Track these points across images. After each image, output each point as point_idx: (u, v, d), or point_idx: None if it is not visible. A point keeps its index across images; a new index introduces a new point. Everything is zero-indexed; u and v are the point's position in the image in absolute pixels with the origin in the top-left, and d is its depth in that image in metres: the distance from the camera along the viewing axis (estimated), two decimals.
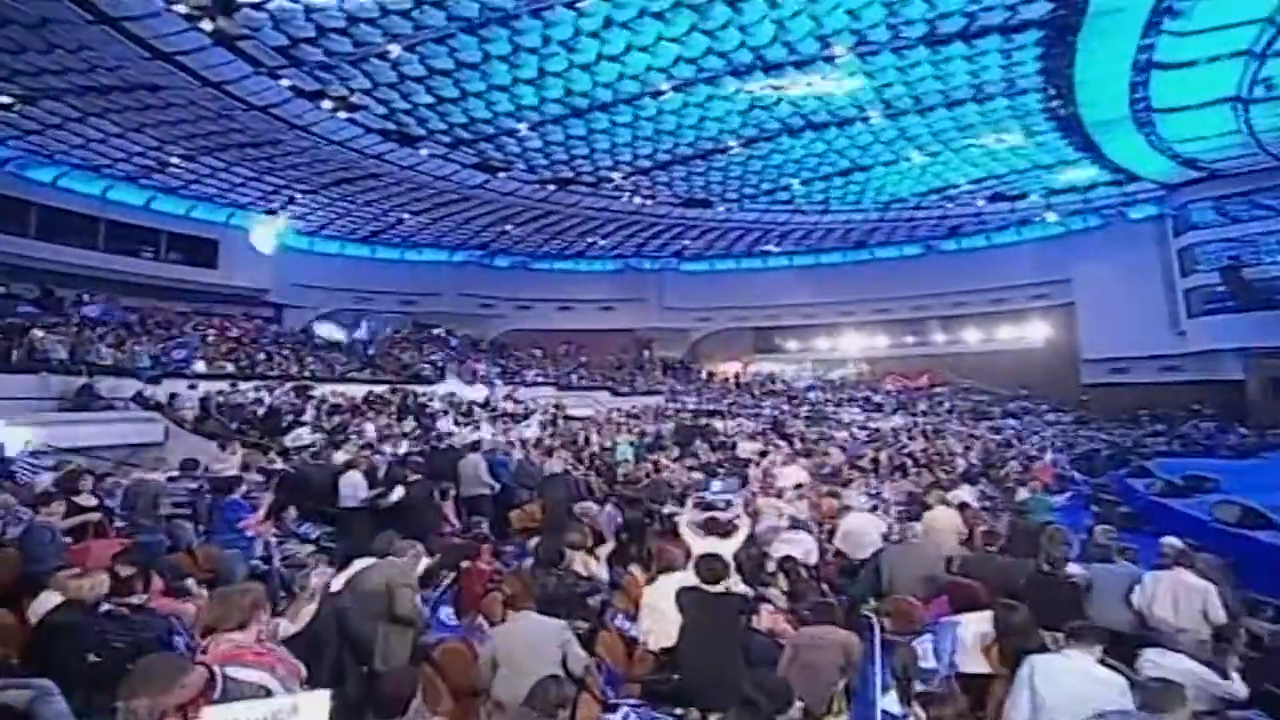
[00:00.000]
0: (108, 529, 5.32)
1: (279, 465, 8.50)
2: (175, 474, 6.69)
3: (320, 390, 16.05)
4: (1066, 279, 29.78)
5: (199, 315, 23.27)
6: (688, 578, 4.46)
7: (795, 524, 6.91)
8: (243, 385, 14.60)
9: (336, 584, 4.38)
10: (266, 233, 26.30)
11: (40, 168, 20.67)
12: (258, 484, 6.84)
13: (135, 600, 4.18)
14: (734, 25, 15.33)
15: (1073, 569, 5.49)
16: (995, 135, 20.99)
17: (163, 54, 14.61)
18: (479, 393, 20.45)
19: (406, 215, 28.25)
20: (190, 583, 4.82)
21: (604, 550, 5.71)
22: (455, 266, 33.98)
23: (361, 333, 27.46)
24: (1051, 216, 29.57)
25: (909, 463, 14.19)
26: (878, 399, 31.04)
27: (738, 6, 14.60)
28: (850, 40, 15.99)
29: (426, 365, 23.64)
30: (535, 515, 8.06)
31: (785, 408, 27.34)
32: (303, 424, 12.54)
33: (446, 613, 4.91)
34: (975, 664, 4.21)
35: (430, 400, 17.90)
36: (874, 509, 8.60)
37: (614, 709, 3.72)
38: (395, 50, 15.59)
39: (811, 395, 31.52)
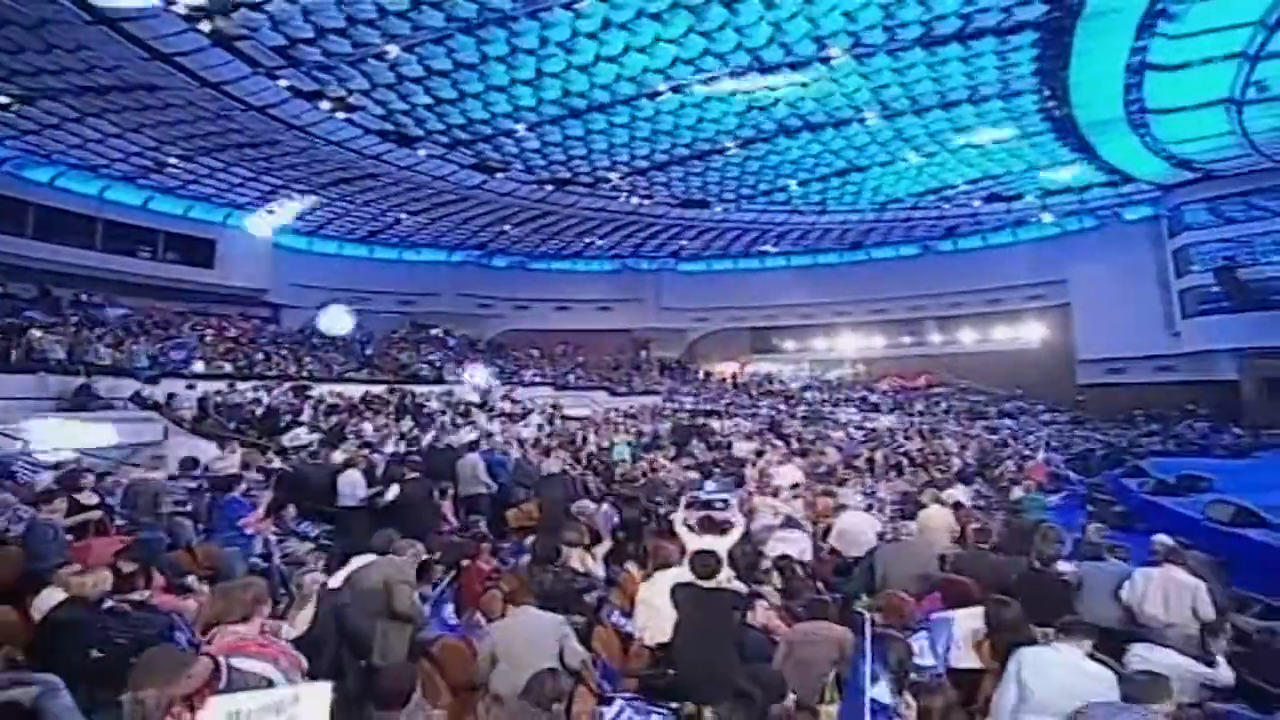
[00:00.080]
0: (109, 527, 5.37)
1: (277, 464, 8.54)
2: (175, 473, 6.72)
3: (318, 390, 16.06)
4: (1062, 279, 29.94)
5: (196, 315, 23.27)
6: (683, 574, 4.51)
7: (789, 522, 6.95)
8: (241, 385, 14.61)
9: (335, 581, 4.43)
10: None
11: (38, 167, 20.67)
12: (257, 482, 6.88)
13: (137, 597, 4.23)
14: (731, 27, 15.40)
15: (1064, 566, 5.57)
16: (990, 136, 21.07)
17: (161, 54, 14.66)
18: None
19: (404, 215, 28.29)
20: (191, 580, 4.87)
21: (601, 548, 5.77)
22: (453, 266, 34.03)
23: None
24: (1047, 217, 29.71)
25: (905, 462, 14.27)
26: (874, 399, 31.13)
27: (734, 8, 14.66)
28: (847, 42, 16.07)
29: (424, 365, 23.67)
30: (533, 514, 8.11)
31: (782, 408, 27.41)
32: (300, 424, 12.58)
33: (448, 611, 4.96)
34: (967, 659, 4.28)
35: (428, 400, 17.94)
36: (869, 508, 8.66)
37: (609, 703, 3.77)
38: (393, 51, 15.65)
39: (808, 395, 31.59)
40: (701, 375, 35.01)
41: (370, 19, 14.39)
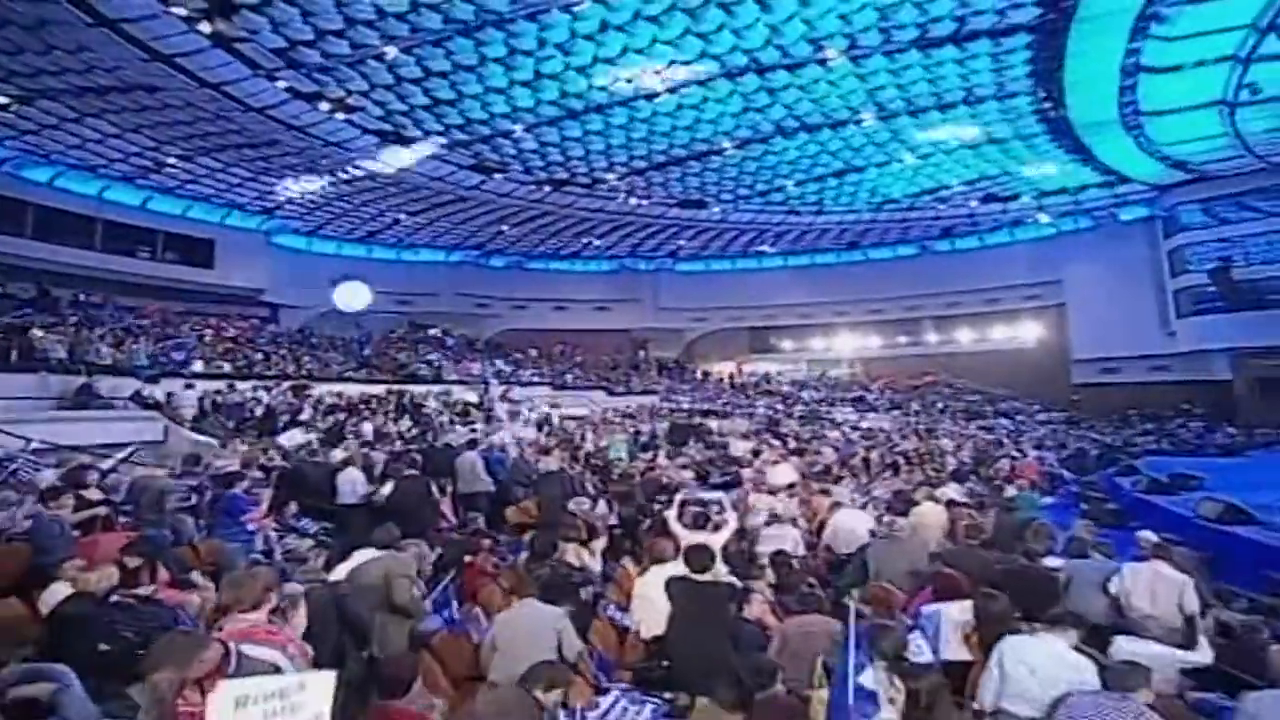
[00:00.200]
0: (115, 523, 5.45)
1: (278, 462, 8.62)
2: (178, 471, 6.81)
3: (317, 390, 16.14)
4: (1058, 280, 30.13)
5: (195, 315, 23.31)
6: (678, 568, 4.62)
7: (775, 519, 7.04)
8: (240, 385, 14.69)
9: (338, 574, 4.52)
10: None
11: (37, 168, 20.70)
12: (258, 480, 6.97)
13: (143, 591, 4.32)
14: (728, 29, 15.50)
15: (1053, 562, 5.67)
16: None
17: (161, 56, 14.71)
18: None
19: (403, 215, 28.35)
20: (195, 575, 4.94)
21: (597, 544, 5.86)
22: (451, 266, 34.08)
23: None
24: (1044, 218, 29.85)
25: (901, 461, 14.39)
26: (871, 398, 31.26)
27: (731, 10, 14.76)
28: (843, 43, 16.19)
29: (423, 365, 23.74)
30: (531, 511, 8.20)
31: (779, 407, 27.52)
32: (299, 423, 12.67)
33: (451, 609, 5.02)
34: (956, 651, 4.38)
35: (426, 400, 18.02)
36: (864, 506, 8.76)
37: (605, 693, 3.87)
38: (392, 52, 15.72)
39: (805, 395, 31.70)
40: (699, 375, 35.11)
41: (369, 20, 14.48)
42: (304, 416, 13.19)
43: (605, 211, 28.40)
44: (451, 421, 15.58)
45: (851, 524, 7.29)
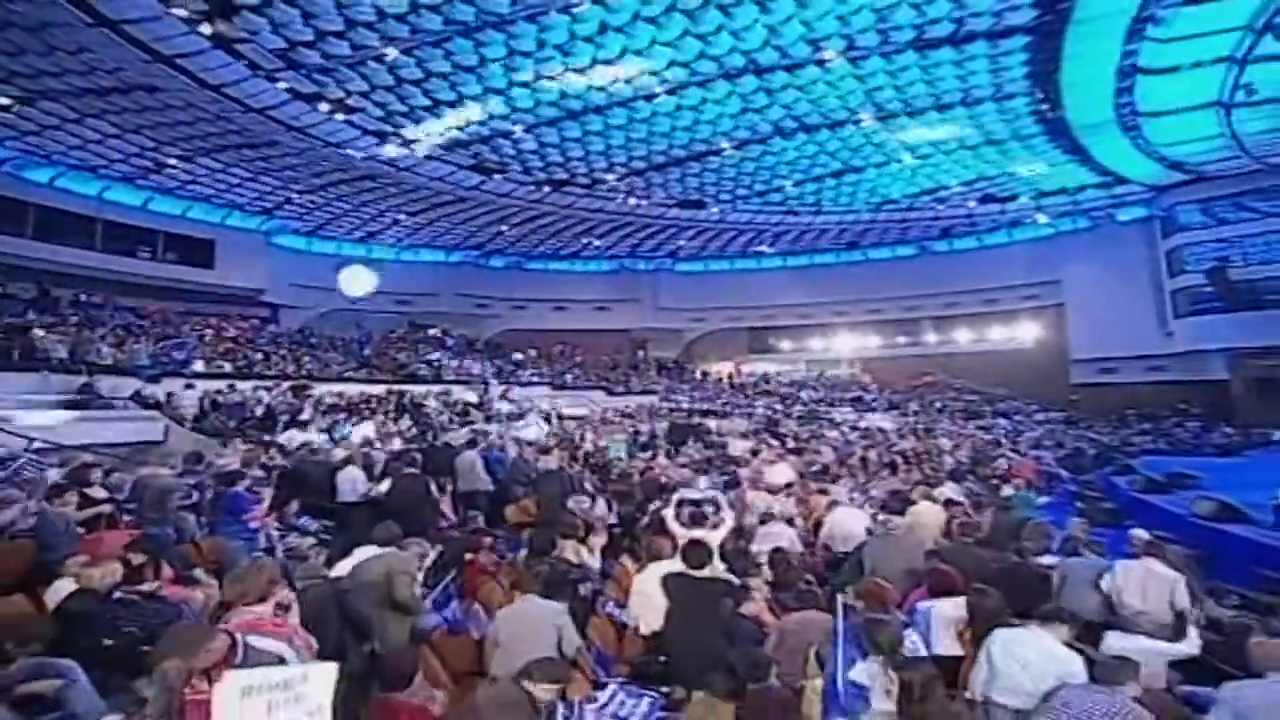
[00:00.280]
0: (119, 521, 5.51)
1: (279, 461, 8.68)
2: (180, 469, 6.86)
3: (318, 390, 16.19)
4: (1056, 280, 30.20)
5: (196, 315, 23.37)
6: (675, 566, 4.68)
7: (769, 518, 7.09)
8: (240, 385, 14.74)
9: (339, 571, 4.57)
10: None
11: (37, 168, 20.76)
12: (259, 478, 7.02)
13: (147, 588, 4.38)
14: (726, 29, 15.56)
15: (1048, 561, 5.74)
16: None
17: (162, 57, 14.77)
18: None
19: (402, 216, 28.41)
20: (198, 572, 5.01)
21: (596, 541, 5.92)
22: (451, 267, 34.16)
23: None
24: (1042, 218, 29.92)
25: (899, 460, 14.44)
26: (870, 398, 31.32)
27: (730, 12, 14.82)
28: (841, 44, 16.26)
29: (422, 365, 23.79)
30: (530, 510, 8.26)
31: (778, 407, 27.57)
32: (299, 423, 12.73)
33: (452, 607, 5.07)
34: (949, 646, 4.44)
35: (426, 399, 18.07)
36: (862, 505, 8.81)
37: (603, 687, 3.93)
38: (392, 54, 15.78)
39: (804, 395, 31.77)
40: (698, 375, 35.17)
41: (369, 22, 14.54)
42: (305, 416, 13.23)
43: (604, 212, 28.47)
44: (451, 421, 15.63)
45: (849, 522, 7.35)
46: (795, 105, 19.37)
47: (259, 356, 19.45)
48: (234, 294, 26.47)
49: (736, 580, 4.95)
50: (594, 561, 5.64)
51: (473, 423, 15.46)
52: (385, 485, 7.47)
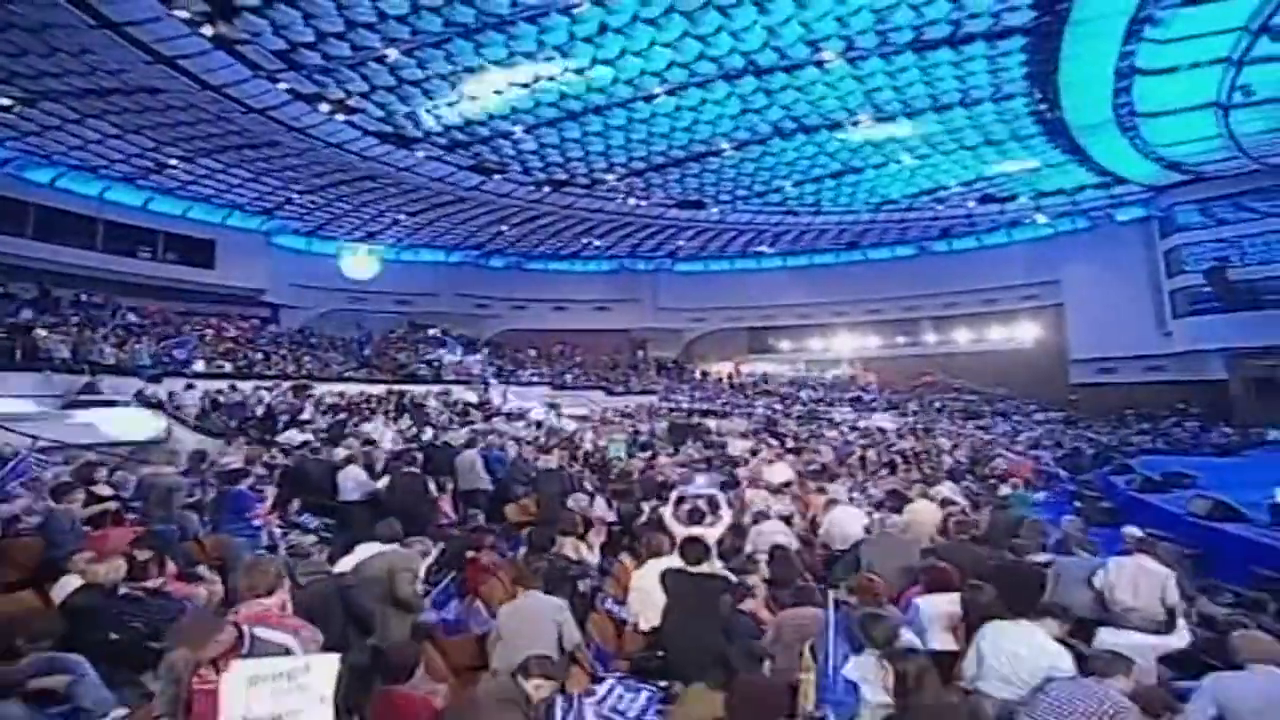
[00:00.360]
0: (124, 518, 5.58)
1: (281, 460, 8.74)
2: (184, 468, 6.93)
3: (318, 390, 16.26)
4: (1056, 280, 30.27)
5: (196, 315, 23.44)
6: (674, 562, 4.74)
7: (763, 516, 7.14)
8: (242, 385, 14.80)
9: (342, 568, 4.64)
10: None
11: (38, 169, 20.80)
12: (261, 477, 7.09)
13: (151, 584, 4.45)
14: (725, 31, 15.62)
15: (1042, 558, 5.80)
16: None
17: (164, 58, 14.82)
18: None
19: (402, 216, 28.46)
20: (202, 569, 5.07)
21: (594, 537, 5.98)
22: (451, 267, 34.21)
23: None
24: (1041, 218, 29.97)
25: (898, 460, 14.52)
26: (869, 398, 31.39)
27: (728, 12, 14.88)
28: (840, 46, 16.31)
29: (422, 365, 23.86)
30: (530, 509, 8.33)
31: (778, 407, 27.64)
32: (299, 422, 12.79)
33: (451, 606, 5.13)
34: (945, 641, 4.51)
35: (427, 399, 18.13)
36: (860, 504, 8.88)
37: (601, 681, 4.00)
38: (393, 54, 15.83)
39: (804, 395, 31.83)
40: (698, 375, 35.22)
41: (370, 23, 14.59)
42: (306, 416, 13.30)
43: (604, 212, 28.52)
44: (451, 420, 15.69)
45: (846, 521, 7.41)
46: (794, 106, 19.42)
47: (259, 356, 19.51)
48: (234, 294, 26.53)
49: (734, 578, 5.02)
50: (593, 558, 5.70)
51: (473, 422, 15.52)
52: (382, 483, 7.53)
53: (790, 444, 16.34)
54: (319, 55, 15.65)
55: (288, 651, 2.65)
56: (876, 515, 7.47)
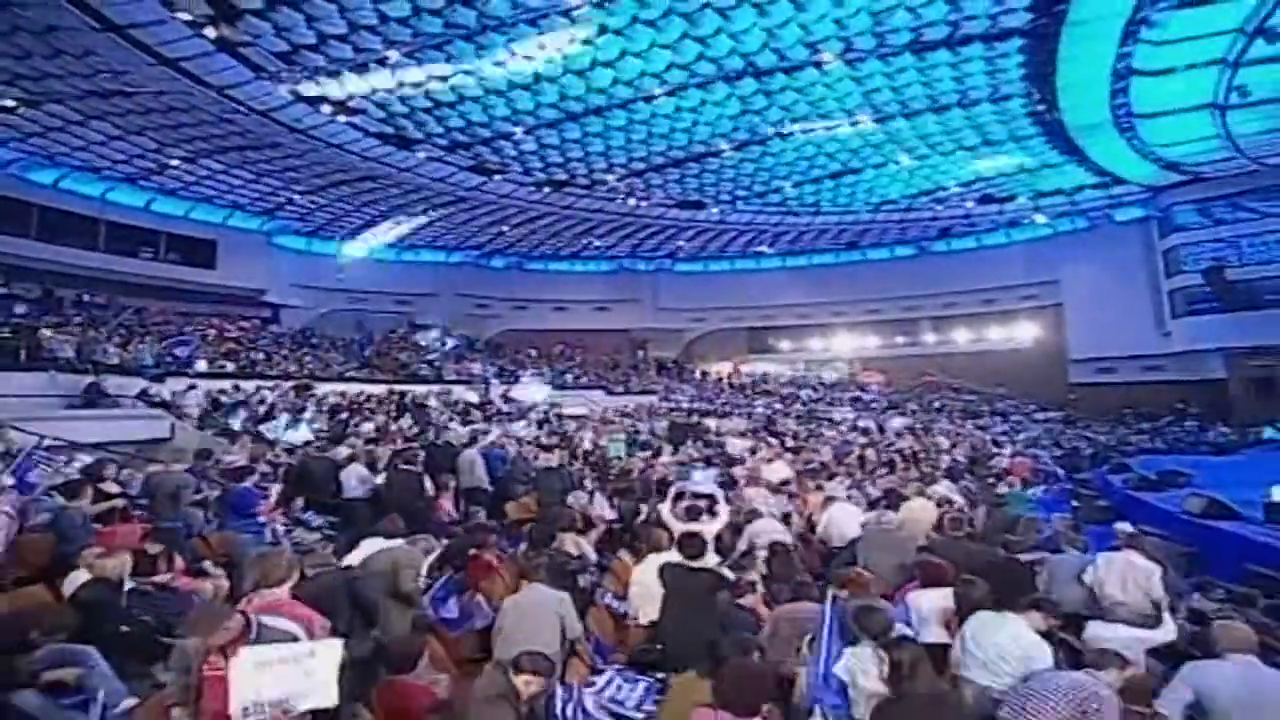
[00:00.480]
0: (131, 515, 5.67)
1: (284, 459, 8.84)
2: (189, 466, 7.02)
3: (320, 390, 16.35)
4: (1055, 280, 30.33)
5: (198, 315, 23.54)
6: (672, 557, 4.83)
7: (755, 515, 7.21)
8: (245, 385, 14.90)
9: (351, 560, 4.73)
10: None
11: (41, 170, 20.92)
12: (266, 475, 7.18)
13: (160, 579, 4.55)
14: (725, 32, 15.71)
15: (1035, 556, 5.90)
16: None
17: (167, 60, 14.91)
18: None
19: (403, 216, 28.54)
20: (207, 564, 5.17)
21: (594, 533, 6.07)
22: (451, 267, 34.31)
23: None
24: (1040, 218, 30.04)
25: (897, 459, 14.58)
26: (869, 398, 31.47)
27: (728, 15, 14.97)
28: (838, 47, 16.40)
29: (423, 365, 23.95)
30: (530, 507, 8.42)
31: (778, 406, 27.72)
32: (299, 421, 12.86)
33: (450, 605, 5.19)
34: (936, 635, 4.60)
35: (428, 399, 18.20)
36: (858, 502, 8.96)
37: (601, 673, 4.09)
38: (394, 56, 15.91)
39: (804, 394, 31.91)
40: (698, 375, 35.31)
41: (371, 25, 14.69)
42: (308, 415, 13.37)
43: (604, 212, 28.62)
44: (451, 420, 15.76)
45: (844, 518, 7.49)
46: (794, 107, 19.51)
47: (260, 356, 19.60)
48: (236, 294, 26.64)
49: (731, 575, 5.10)
50: (590, 552, 5.78)
51: (473, 422, 15.60)
52: (379, 480, 7.62)
53: (789, 443, 16.41)
54: (322, 57, 15.72)
55: (294, 638, 2.75)
56: (873, 513, 7.56)
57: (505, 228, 30.36)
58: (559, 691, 3.56)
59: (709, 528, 5.40)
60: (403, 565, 4.54)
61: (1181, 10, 14.14)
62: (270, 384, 15.59)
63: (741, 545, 6.25)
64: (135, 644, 4.09)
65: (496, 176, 24.07)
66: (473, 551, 5.77)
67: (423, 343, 25.34)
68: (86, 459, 7.59)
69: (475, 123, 19.91)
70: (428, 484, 7.75)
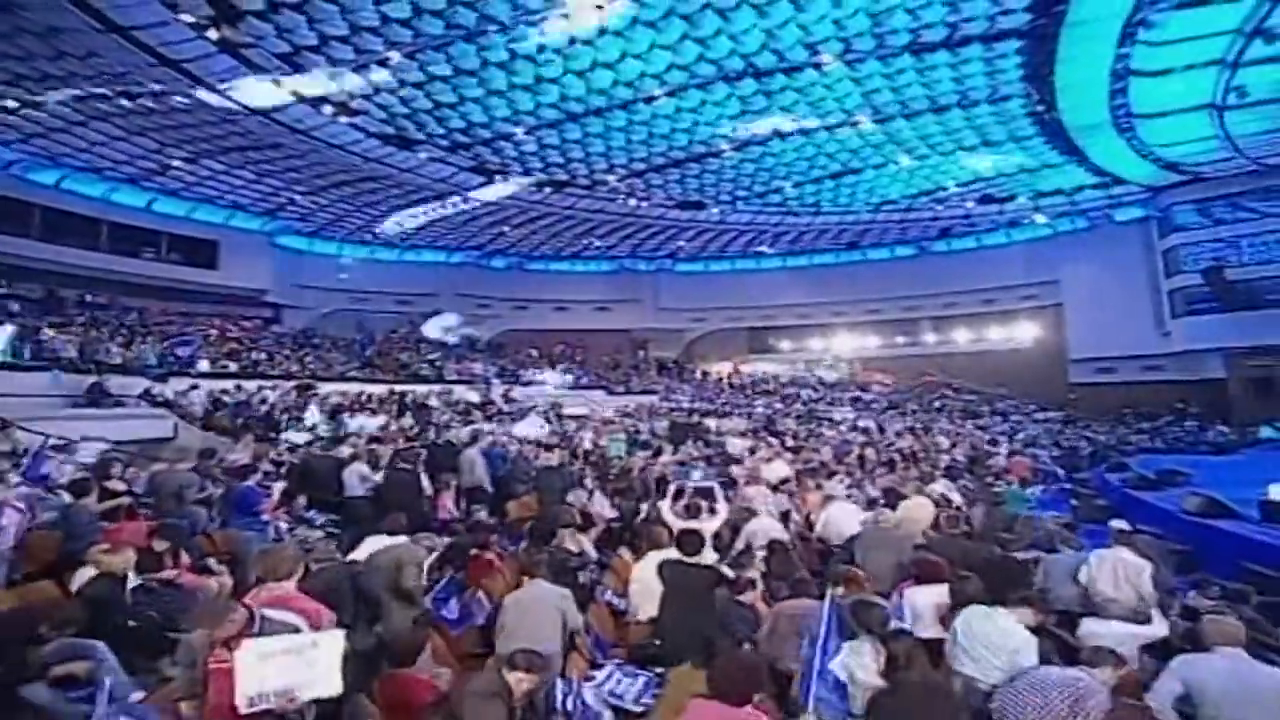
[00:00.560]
0: (137, 513, 5.74)
1: (287, 457, 8.90)
2: (193, 465, 7.08)
3: (322, 389, 16.41)
4: (1055, 280, 30.37)
5: (200, 316, 23.62)
6: (672, 553, 4.89)
7: (751, 514, 7.26)
8: (247, 385, 14.97)
9: (356, 556, 4.79)
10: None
11: (43, 170, 21.00)
12: (268, 473, 7.24)
13: (166, 575, 4.61)
14: (724, 34, 15.76)
15: (1031, 554, 5.96)
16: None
17: (169, 60, 14.97)
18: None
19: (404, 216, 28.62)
20: (212, 562, 5.22)
21: (594, 531, 6.12)
22: (452, 267, 34.38)
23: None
24: (1040, 218, 30.08)
25: (897, 458, 14.62)
26: (869, 398, 31.51)
27: (727, 15, 15.02)
28: (838, 48, 16.45)
29: (425, 365, 24.01)
30: (531, 506, 8.48)
31: (778, 406, 27.77)
32: (300, 420, 12.94)
33: (450, 605, 5.24)
34: (932, 630, 4.66)
35: (429, 399, 18.26)
36: (857, 501, 9.01)
37: (600, 668, 4.15)
38: (395, 57, 15.98)
39: (804, 394, 31.95)
40: (698, 375, 35.36)
41: (373, 26, 14.75)
42: (308, 414, 13.44)
43: (605, 213, 28.68)
44: (453, 420, 15.82)
45: (843, 517, 7.54)
46: (793, 108, 19.56)
47: (262, 357, 19.67)
48: (237, 294, 26.74)
49: (730, 572, 5.16)
50: (590, 549, 5.84)
51: (474, 421, 15.66)
52: (378, 478, 7.68)
53: (789, 442, 16.45)
54: (323, 58, 15.78)
55: (297, 630, 2.80)
56: (871, 512, 7.60)
57: (506, 228, 30.41)
58: (559, 685, 3.61)
59: (708, 525, 5.45)
60: (406, 563, 4.60)
61: (1180, 11, 14.19)
62: (272, 384, 15.66)
63: (739, 544, 6.29)
64: (142, 639, 4.15)
65: (497, 177, 24.11)
66: (475, 551, 5.83)
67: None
68: (98, 446, 7.72)
69: (476, 123, 19.97)
70: (425, 483, 7.81)
